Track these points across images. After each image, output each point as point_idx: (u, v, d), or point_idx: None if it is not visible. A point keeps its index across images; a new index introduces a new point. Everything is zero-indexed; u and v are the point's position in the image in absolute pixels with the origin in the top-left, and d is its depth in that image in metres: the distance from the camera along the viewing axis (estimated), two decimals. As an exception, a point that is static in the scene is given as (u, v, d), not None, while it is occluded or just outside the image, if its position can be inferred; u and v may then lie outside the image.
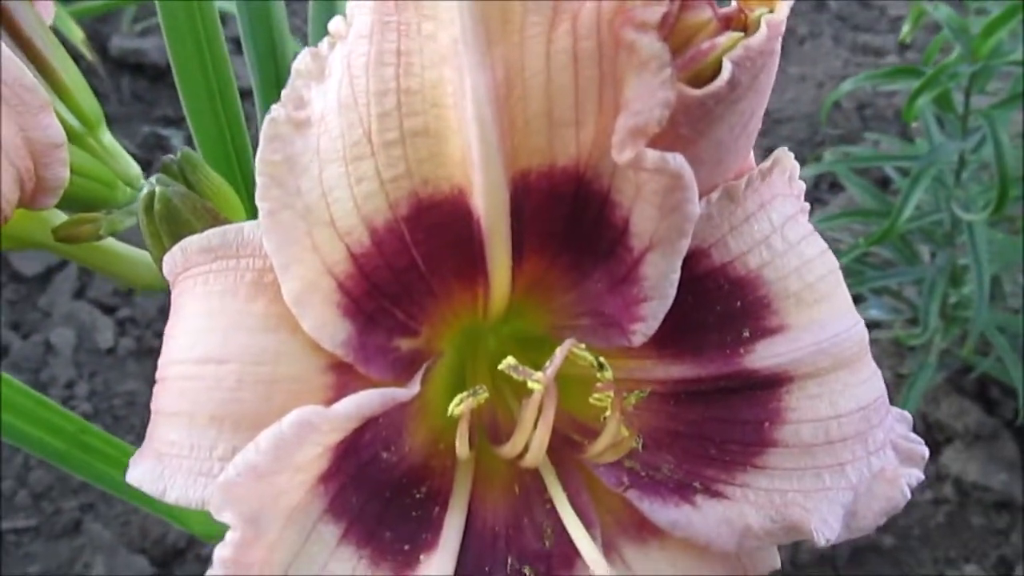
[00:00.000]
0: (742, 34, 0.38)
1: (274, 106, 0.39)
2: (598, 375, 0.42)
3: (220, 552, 0.37)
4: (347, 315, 0.41)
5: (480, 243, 0.41)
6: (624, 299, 0.44)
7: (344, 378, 0.42)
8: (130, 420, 2.17)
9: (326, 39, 0.40)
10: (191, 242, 0.42)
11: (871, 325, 2.43)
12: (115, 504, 2.01)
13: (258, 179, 0.39)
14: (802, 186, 0.49)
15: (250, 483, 0.38)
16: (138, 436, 1.71)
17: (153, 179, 0.49)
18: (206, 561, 1.93)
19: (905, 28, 1.48)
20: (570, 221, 0.43)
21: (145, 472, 0.40)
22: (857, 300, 2.22)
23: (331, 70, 0.39)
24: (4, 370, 0.91)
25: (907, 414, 0.54)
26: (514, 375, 0.41)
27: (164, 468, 0.40)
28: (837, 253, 1.34)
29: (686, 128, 0.38)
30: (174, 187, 0.48)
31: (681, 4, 0.38)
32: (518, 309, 0.47)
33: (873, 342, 1.76)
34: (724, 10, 0.39)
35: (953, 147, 1.45)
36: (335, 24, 0.39)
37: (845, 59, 3.92)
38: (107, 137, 0.63)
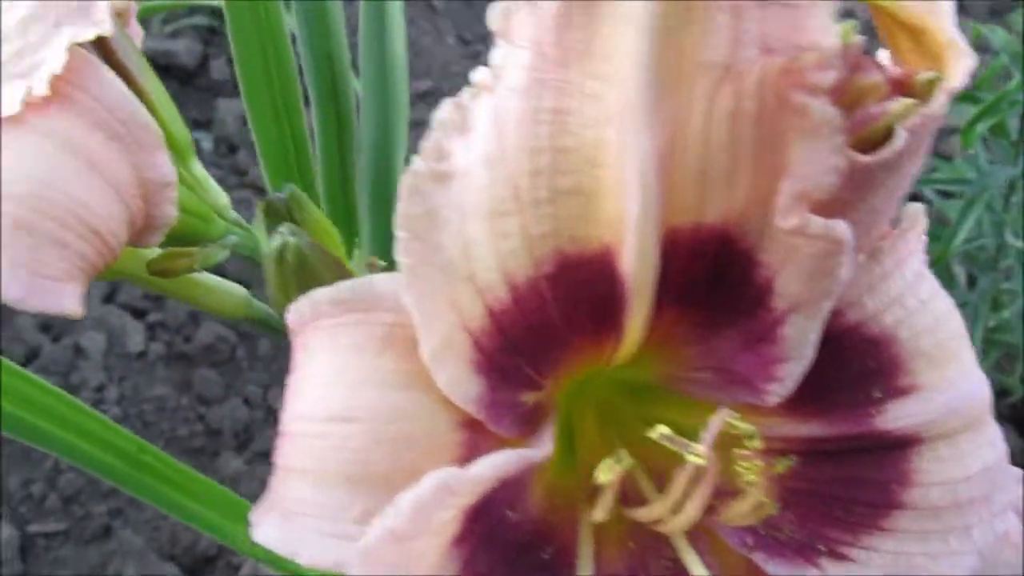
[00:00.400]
0: (913, 101, 0.37)
1: (416, 158, 0.38)
2: (745, 442, 0.41)
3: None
4: (479, 371, 0.40)
5: (622, 299, 0.40)
6: (760, 358, 0.43)
7: (473, 436, 0.41)
8: (160, 425, 2.17)
9: (469, 89, 0.39)
10: (321, 294, 0.40)
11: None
12: (144, 509, 2.01)
13: (399, 233, 0.38)
14: (926, 240, 0.48)
15: (390, 548, 0.37)
16: (167, 441, 1.71)
17: (284, 228, 0.48)
18: (236, 569, 1.92)
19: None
20: (708, 277, 0.41)
21: (273, 531, 0.39)
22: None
23: (475, 122, 0.38)
24: (34, 373, 0.91)
25: (1019, 472, 0.52)
26: (668, 444, 0.40)
27: (293, 528, 0.39)
28: None
29: (847, 192, 0.37)
30: (305, 238, 0.47)
31: (852, 65, 0.37)
32: (637, 358, 0.46)
33: None
34: (893, 73, 0.38)
35: (1004, 173, 1.43)
36: (480, 75, 0.38)
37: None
38: (198, 167, 0.62)
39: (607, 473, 0.41)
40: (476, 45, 3.68)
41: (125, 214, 0.46)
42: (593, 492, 0.45)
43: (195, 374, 2.26)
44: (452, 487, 0.38)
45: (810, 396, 0.45)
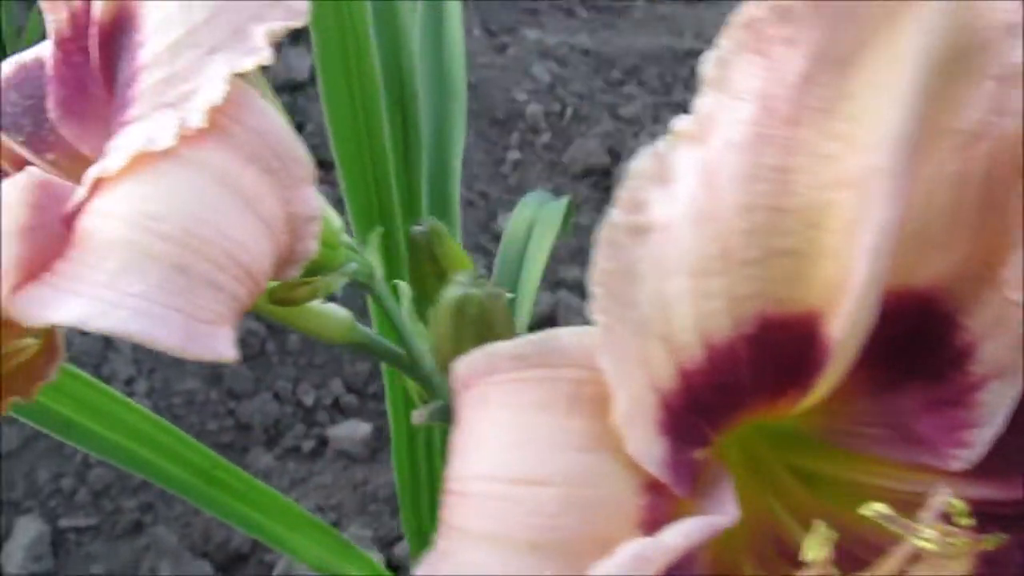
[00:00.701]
0: None
1: (613, 210, 0.36)
2: (956, 518, 0.39)
3: None
4: (663, 432, 0.38)
5: (820, 361, 0.38)
6: (948, 421, 0.41)
7: (654, 499, 0.39)
8: (189, 419, 2.15)
9: (666, 138, 0.36)
10: (501, 349, 0.38)
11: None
12: (175, 505, 1.99)
13: (594, 289, 0.36)
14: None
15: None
16: (197, 435, 1.69)
17: (462, 278, 0.46)
18: (270, 567, 1.91)
19: None
20: (903, 337, 0.39)
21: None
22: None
23: (678, 174, 0.36)
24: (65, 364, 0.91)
25: None
26: (887, 525, 0.38)
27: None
28: None
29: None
30: (487, 290, 0.45)
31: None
32: (806, 411, 0.44)
33: None
34: None
35: None
36: (682, 123, 0.36)
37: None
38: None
39: (815, 552, 0.39)
40: (502, 37, 3.64)
41: (274, 251, 0.44)
42: (758, 547, 0.43)
43: (225, 368, 2.24)
44: (649, 557, 0.36)
45: (987, 457, 0.43)
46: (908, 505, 0.45)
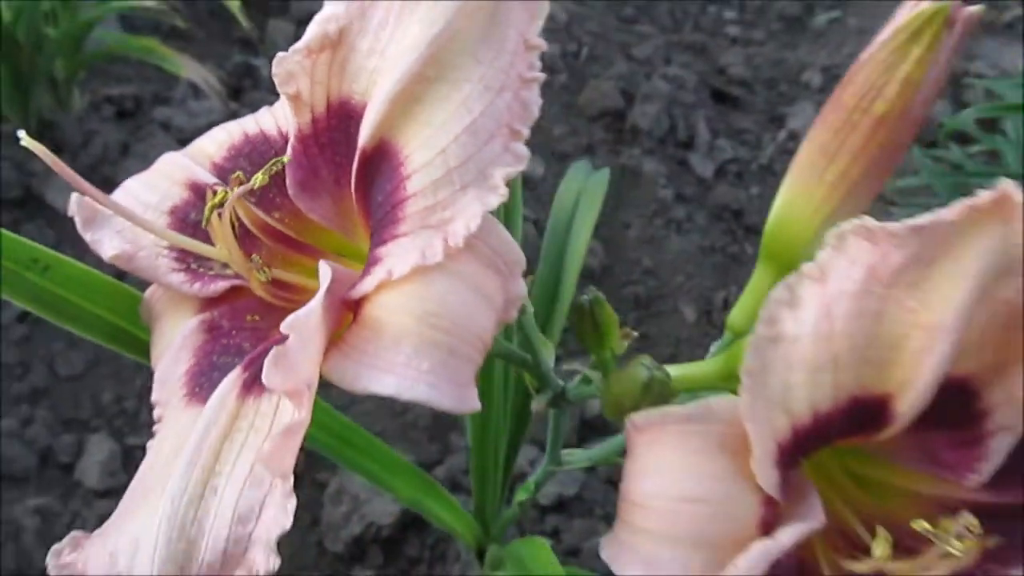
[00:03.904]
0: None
1: (758, 324, 0.54)
2: (969, 528, 0.58)
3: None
4: (777, 466, 0.57)
5: (887, 423, 0.56)
6: (965, 456, 0.60)
7: (768, 509, 0.58)
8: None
9: (794, 275, 0.54)
10: (674, 411, 0.57)
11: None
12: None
13: (743, 377, 0.54)
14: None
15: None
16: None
17: (646, 363, 0.63)
18: (323, 486, 2.11)
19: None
20: (942, 405, 0.58)
21: (636, 570, 0.56)
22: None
23: (803, 303, 0.53)
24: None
25: None
26: (932, 537, 0.57)
27: (656, 572, 0.56)
28: None
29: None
30: (663, 374, 0.63)
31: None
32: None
33: None
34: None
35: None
36: (808, 267, 0.53)
37: (906, 14, 3.90)
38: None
39: (881, 548, 0.58)
40: None
41: (498, 325, 0.61)
42: (831, 538, 0.62)
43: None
44: (770, 551, 0.55)
45: (998, 472, 0.62)
46: (933, 502, 0.64)
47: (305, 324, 0.54)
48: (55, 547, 0.58)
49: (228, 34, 2.97)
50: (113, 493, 2.04)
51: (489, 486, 1.50)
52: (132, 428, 2.19)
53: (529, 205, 2.65)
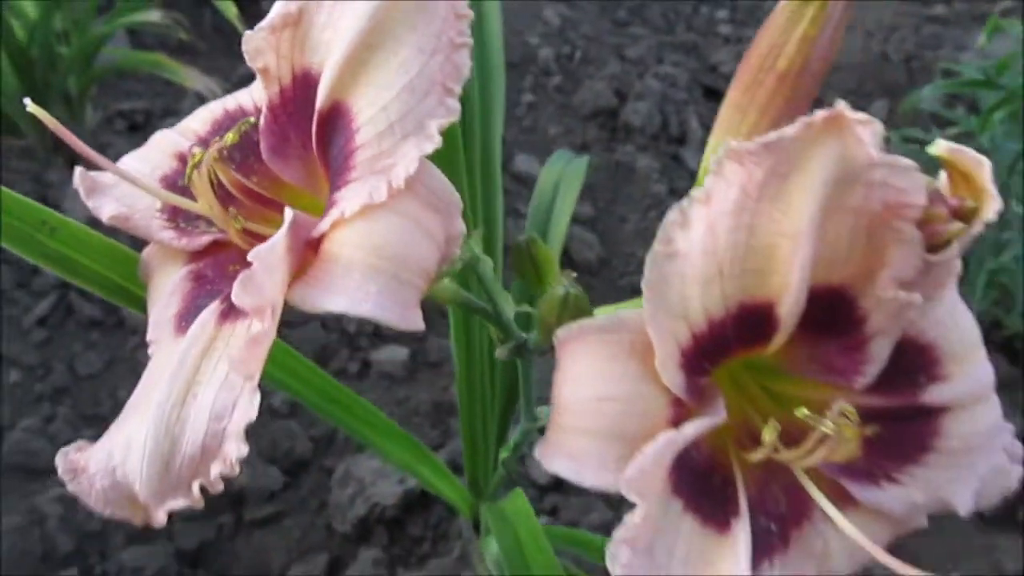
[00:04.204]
0: (963, 225, 0.61)
1: (655, 243, 0.63)
2: (846, 414, 0.66)
3: (630, 518, 0.62)
4: (682, 369, 0.66)
5: (774, 328, 0.65)
6: (851, 361, 0.68)
7: (677, 409, 0.67)
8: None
9: (686, 200, 0.63)
10: (589, 323, 0.65)
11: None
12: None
13: (644, 290, 0.63)
14: (959, 271, 0.73)
15: (641, 477, 0.63)
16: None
17: (565, 281, 0.72)
18: (330, 472, 2.22)
19: (981, 39, 1.66)
20: (825, 313, 0.66)
21: (564, 466, 0.65)
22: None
23: (693, 223, 0.62)
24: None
25: (1011, 426, 0.78)
26: (809, 421, 0.66)
27: (579, 465, 0.64)
28: None
29: (919, 275, 0.62)
30: (578, 290, 0.72)
31: (929, 201, 0.61)
32: (770, 355, 0.71)
33: None
34: (951, 202, 0.62)
35: (1011, 148, 1.66)
36: (697, 193, 0.62)
37: (894, 9, 4.00)
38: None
39: (769, 435, 0.66)
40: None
41: (440, 260, 0.70)
42: (742, 437, 0.71)
43: (277, 300, 2.52)
44: (674, 441, 0.64)
45: (878, 380, 0.70)
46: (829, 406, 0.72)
47: (268, 254, 0.63)
48: (63, 449, 0.67)
49: (231, 46, 3.10)
50: (131, 482, 2.14)
51: (480, 457, 1.58)
52: (148, 423, 2.30)
53: (524, 200, 2.75)
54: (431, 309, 1.61)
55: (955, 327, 0.70)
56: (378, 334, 2.56)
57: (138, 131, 2.82)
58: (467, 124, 1.33)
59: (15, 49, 2.40)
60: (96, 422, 2.26)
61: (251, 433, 2.04)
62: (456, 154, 1.20)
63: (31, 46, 2.45)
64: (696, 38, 3.76)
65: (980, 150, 1.65)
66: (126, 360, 2.42)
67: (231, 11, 2.07)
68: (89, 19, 2.56)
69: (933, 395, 0.71)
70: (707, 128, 3.30)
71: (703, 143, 3.36)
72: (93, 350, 2.40)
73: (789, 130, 0.57)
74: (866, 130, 0.56)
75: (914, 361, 0.70)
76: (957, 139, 2.28)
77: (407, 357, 2.49)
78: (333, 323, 2.53)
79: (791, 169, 0.58)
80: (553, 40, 3.49)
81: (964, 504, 0.72)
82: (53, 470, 2.27)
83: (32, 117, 2.32)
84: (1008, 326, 2.32)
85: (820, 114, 0.56)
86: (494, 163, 1.49)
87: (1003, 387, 2.52)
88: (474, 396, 1.42)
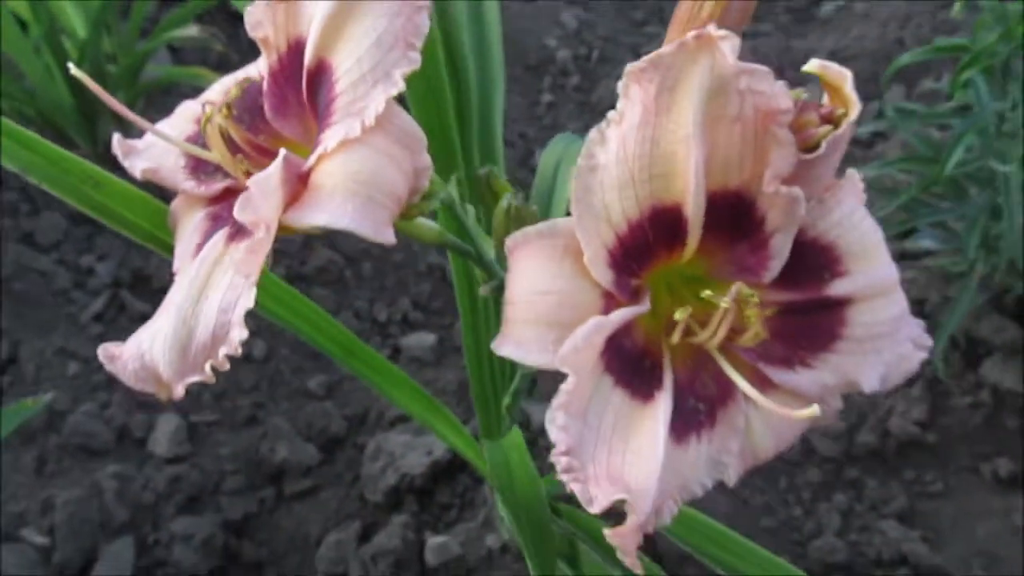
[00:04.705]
0: (830, 128, 0.73)
1: (579, 158, 0.75)
2: (750, 300, 0.78)
3: (564, 388, 0.74)
4: (611, 267, 0.78)
5: (685, 229, 0.77)
6: (758, 258, 0.80)
7: (608, 301, 0.79)
8: (285, 334, 2.59)
9: (604, 120, 0.75)
10: (530, 229, 0.78)
11: (925, 254, 2.72)
12: (281, 402, 2.46)
13: (572, 200, 0.75)
14: (861, 185, 0.84)
15: (573, 355, 0.75)
16: (292, 347, 2.13)
17: (508, 197, 0.86)
18: (362, 448, 2.36)
19: (956, 6, 1.75)
20: (729, 215, 0.78)
21: (511, 350, 0.77)
22: (913, 232, 2.52)
23: (609, 139, 0.75)
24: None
25: (921, 321, 0.88)
26: (711, 299, 0.77)
27: (523, 349, 0.77)
28: (896, 193, 1.79)
29: (800, 171, 0.73)
30: (520, 202, 0.85)
31: (800, 109, 0.72)
32: (691, 260, 0.83)
33: (925, 268, 2.21)
34: (822, 110, 0.74)
35: (993, 107, 1.74)
36: (610, 114, 0.75)
37: (909, -2, 4.05)
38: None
39: (680, 315, 0.78)
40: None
41: (408, 187, 0.83)
42: (669, 329, 0.82)
43: (312, 292, 2.68)
44: (602, 325, 0.76)
45: (787, 277, 0.82)
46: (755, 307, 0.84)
47: (264, 180, 0.77)
48: (103, 344, 0.82)
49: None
50: (180, 460, 2.31)
51: (492, 414, 1.71)
52: (195, 407, 2.47)
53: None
54: (454, 299, 1.74)
55: (854, 229, 0.81)
56: (407, 321, 2.70)
57: (182, 142, 3.02)
58: (460, 80, 1.45)
59: (68, 69, 2.61)
60: (147, 407, 2.43)
61: (290, 413, 2.22)
62: (444, 109, 1.33)
63: (82, 65, 2.66)
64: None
65: (960, 110, 1.73)
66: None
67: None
68: (134, 40, 2.77)
69: (837, 288, 0.82)
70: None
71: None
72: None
73: (668, 48, 0.69)
74: (727, 44, 0.68)
75: (817, 259, 0.81)
76: (961, 110, 2.33)
77: (435, 342, 2.62)
78: (365, 313, 2.68)
79: (675, 83, 0.70)
80: (571, 42, 3.63)
81: (869, 384, 0.83)
82: (110, 450, 2.45)
83: (84, 130, 2.53)
84: (1015, 290, 2.37)
85: (691, 33, 0.68)
86: (495, 138, 1.62)
87: (1016, 352, 2.57)
88: (480, 344, 1.55)
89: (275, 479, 2.30)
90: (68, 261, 2.69)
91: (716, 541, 1.42)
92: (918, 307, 2.62)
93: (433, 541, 2.11)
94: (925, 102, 3.28)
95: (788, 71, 3.87)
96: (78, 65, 2.74)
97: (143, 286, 2.64)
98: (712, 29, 0.68)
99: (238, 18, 2.91)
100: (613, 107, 2.61)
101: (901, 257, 2.77)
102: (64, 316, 2.58)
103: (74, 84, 2.68)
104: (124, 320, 2.61)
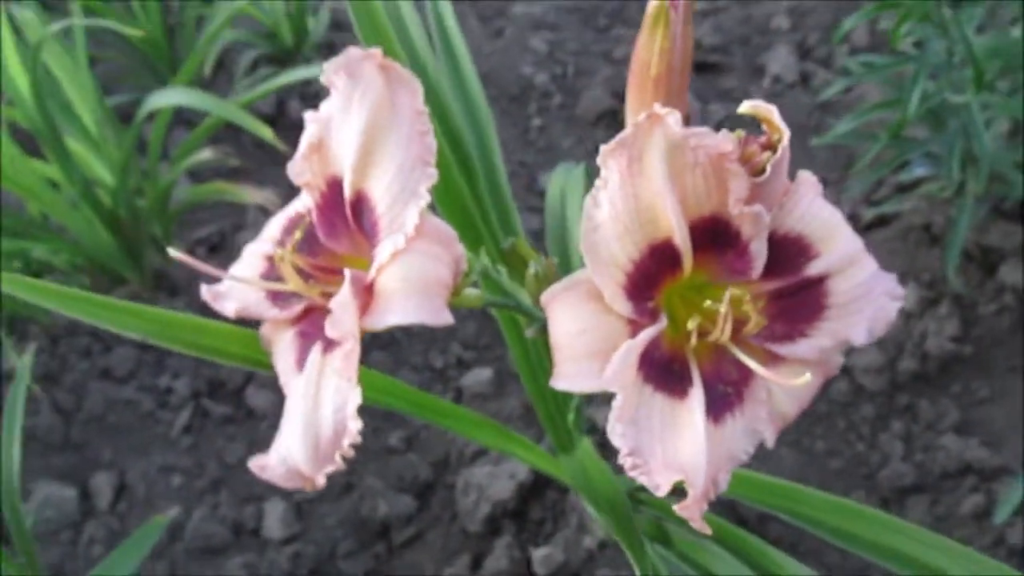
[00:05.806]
0: (770, 154, 0.91)
1: (583, 220, 0.94)
2: (745, 297, 0.96)
3: (615, 404, 0.93)
4: (628, 299, 0.97)
5: (678, 255, 0.95)
6: (743, 262, 0.98)
7: (633, 326, 0.97)
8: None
9: (594, 188, 0.94)
10: (557, 286, 0.97)
11: (920, 181, 2.87)
12: (369, 464, 2.66)
13: (584, 253, 0.94)
14: (814, 179, 1.02)
15: (616, 378, 0.93)
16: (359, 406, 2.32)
17: (533, 263, 1.05)
18: (451, 487, 2.54)
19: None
20: (711, 236, 0.96)
21: (566, 384, 0.96)
22: (905, 165, 2.67)
23: (601, 202, 0.93)
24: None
25: (892, 274, 1.06)
26: (712, 306, 0.96)
27: (575, 382, 0.96)
28: (876, 138, 2.00)
29: (759, 190, 0.92)
30: (543, 265, 1.04)
31: (744, 143, 0.91)
32: (691, 275, 1.02)
33: (926, 195, 2.42)
34: (761, 140, 0.92)
35: (939, 46, 1.90)
36: (598, 182, 0.94)
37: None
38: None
39: (691, 324, 0.97)
40: (496, 21, 4.13)
41: (452, 274, 1.03)
42: (688, 336, 1.01)
43: (370, 358, 2.89)
44: (633, 347, 0.94)
45: (772, 270, 1.00)
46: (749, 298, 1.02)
47: (341, 299, 0.97)
48: (253, 459, 1.03)
49: (274, 159, 3.53)
50: (294, 539, 2.52)
51: (561, 431, 1.90)
52: (296, 489, 2.68)
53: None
54: (498, 334, 1.90)
55: (815, 218, 0.99)
56: (462, 362, 2.90)
57: (217, 251, 3.26)
58: (469, 168, 1.65)
59: (105, 214, 2.86)
60: (254, 499, 2.65)
61: (380, 472, 2.44)
62: (462, 197, 1.53)
63: (117, 207, 2.90)
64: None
65: (914, 60, 1.89)
66: (262, 441, 2.82)
67: (267, 133, 2.47)
68: (156, 172, 3.01)
69: (813, 269, 1.00)
70: (705, 100, 3.57)
71: (704, 113, 3.60)
72: (234, 441, 2.80)
73: (628, 130, 0.88)
74: (672, 118, 0.87)
75: (792, 250, 1.00)
76: (917, 46, 2.47)
77: (491, 375, 2.81)
78: (422, 364, 2.88)
79: (640, 153, 0.89)
80: (545, 64, 3.82)
81: (859, 338, 1.00)
82: (230, 544, 2.69)
83: (132, 264, 2.78)
84: (1012, 196, 2.51)
85: (643, 115, 0.87)
86: (502, 190, 1.82)
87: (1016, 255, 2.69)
88: (534, 372, 1.74)
89: (382, 534, 2.50)
90: (147, 386, 2.93)
91: (787, 496, 1.59)
92: (926, 231, 2.77)
93: (538, 554, 2.30)
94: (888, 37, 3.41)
95: (754, 38, 4.02)
96: (114, 209, 2.98)
97: (219, 391, 2.87)
98: (658, 108, 0.87)
99: (239, 130, 3.14)
100: (600, 116, 2.84)
101: (900, 189, 2.91)
102: (156, 436, 2.81)
103: (113, 226, 2.92)
104: (210, 426, 2.84)
